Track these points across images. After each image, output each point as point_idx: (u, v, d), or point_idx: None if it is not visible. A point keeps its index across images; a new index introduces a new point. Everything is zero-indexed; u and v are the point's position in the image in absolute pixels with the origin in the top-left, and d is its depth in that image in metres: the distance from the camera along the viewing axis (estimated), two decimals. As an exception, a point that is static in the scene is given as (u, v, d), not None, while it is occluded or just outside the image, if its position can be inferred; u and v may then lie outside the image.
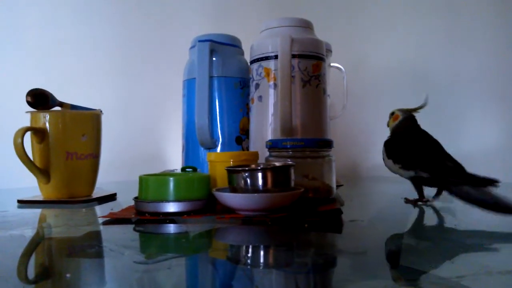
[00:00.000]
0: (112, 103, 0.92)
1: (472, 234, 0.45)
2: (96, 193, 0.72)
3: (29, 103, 0.66)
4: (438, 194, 0.58)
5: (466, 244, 0.40)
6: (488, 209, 0.48)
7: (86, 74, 1.12)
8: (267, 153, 0.60)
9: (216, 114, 0.77)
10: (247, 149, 0.77)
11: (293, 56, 0.69)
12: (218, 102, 0.77)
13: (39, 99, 0.67)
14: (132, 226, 0.48)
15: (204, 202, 0.52)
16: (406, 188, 0.62)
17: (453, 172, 0.54)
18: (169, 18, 1.15)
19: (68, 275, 0.32)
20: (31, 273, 0.33)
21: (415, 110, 0.64)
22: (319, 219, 0.50)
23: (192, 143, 0.78)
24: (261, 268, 0.34)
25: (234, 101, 0.78)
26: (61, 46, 1.13)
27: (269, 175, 0.49)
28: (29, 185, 0.72)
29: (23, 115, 0.68)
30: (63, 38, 1.13)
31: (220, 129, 0.76)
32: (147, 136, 1.14)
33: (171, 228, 0.48)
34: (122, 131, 1.07)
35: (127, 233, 0.46)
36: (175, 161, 1.03)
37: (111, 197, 0.72)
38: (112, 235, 0.46)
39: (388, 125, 0.67)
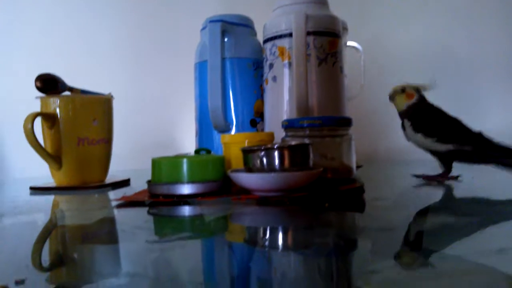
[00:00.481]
0: (122, 90, 0.90)
1: (506, 210, 0.42)
2: (109, 179, 0.70)
3: (38, 88, 0.65)
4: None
5: (501, 218, 0.38)
6: None
7: (95, 61, 1.11)
8: (283, 135, 0.58)
9: (230, 96, 0.74)
10: (262, 131, 0.75)
11: (308, 33, 0.67)
12: (231, 84, 0.75)
13: (48, 84, 0.65)
14: (146, 209, 0.46)
15: (219, 183, 0.50)
16: (429, 170, 0.60)
17: (497, 146, 0.52)
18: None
19: (75, 255, 0.30)
20: (45, 256, 0.32)
21: (424, 88, 0.61)
22: (340, 198, 0.47)
23: (206, 127, 0.76)
24: (279, 250, 0.32)
25: (248, 83, 0.75)
26: (69, 32, 1.11)
27: (286, 154, 0.47)
28: (44, 174, 0.71)
29: (35, 103, 0.67)
30: (71, 25, 1.12)
31: (234, 112, 0.74)
32: (159, 122, 1.13)
33: (186, 210, 0.46)
34: (133, 118, 1.06)
35: (140, 216, 0.44)
36: (188, 147, 1.02)
37: (125, 183, 0.70)
38: (125, 218, 0.45)
39: (393, 100, 0.62)
